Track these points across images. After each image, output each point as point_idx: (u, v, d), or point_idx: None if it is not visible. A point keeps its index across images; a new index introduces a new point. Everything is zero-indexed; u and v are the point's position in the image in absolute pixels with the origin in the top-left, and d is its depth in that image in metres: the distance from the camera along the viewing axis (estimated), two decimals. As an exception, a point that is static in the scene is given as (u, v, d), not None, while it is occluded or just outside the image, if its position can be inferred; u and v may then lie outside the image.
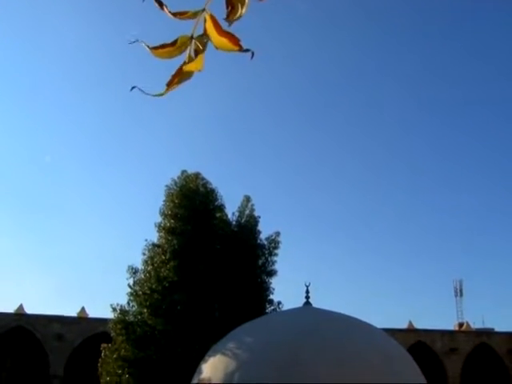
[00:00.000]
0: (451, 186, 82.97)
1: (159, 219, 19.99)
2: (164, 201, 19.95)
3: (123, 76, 72.84)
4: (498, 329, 39.71)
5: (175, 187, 20.01)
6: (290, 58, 76.75)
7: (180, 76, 2.21)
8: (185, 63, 2.19)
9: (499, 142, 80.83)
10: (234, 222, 20.21)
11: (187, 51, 2.19)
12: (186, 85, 2.24)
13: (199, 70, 2.23)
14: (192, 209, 19.36)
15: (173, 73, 2.21)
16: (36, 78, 74.63)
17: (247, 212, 20.27)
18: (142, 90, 2.18)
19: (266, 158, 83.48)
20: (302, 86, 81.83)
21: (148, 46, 2.17)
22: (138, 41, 2.16)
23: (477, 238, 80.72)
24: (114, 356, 18.39)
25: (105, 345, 19.16)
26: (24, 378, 33.25)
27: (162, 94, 2.24)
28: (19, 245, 72.71)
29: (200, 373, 14.62)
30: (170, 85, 2.21)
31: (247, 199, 20.39)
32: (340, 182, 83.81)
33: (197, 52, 2.19)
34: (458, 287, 44.87)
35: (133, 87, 2.20)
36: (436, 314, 70.32)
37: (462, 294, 44.67)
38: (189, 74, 2.23)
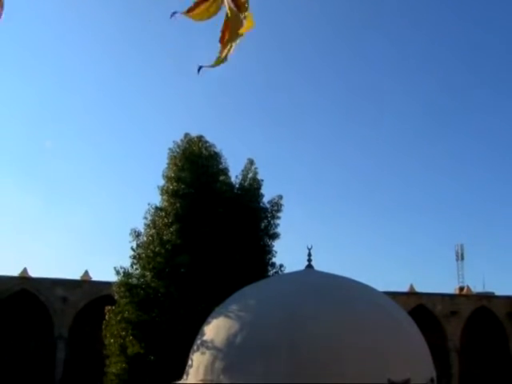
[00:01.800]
0: (454, 151, 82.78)
1: (162, 183, 20.03)
2: (167, 164, 19.94)
3: (124, 39, 72.25)
4: (498, 293, 40.02)
5: (178, 150, 19.98)
6: (296, 21, 75.91)
7: (232, 36, 2.10)
8: (227, 17, 2.08)
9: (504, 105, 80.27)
10: (237, 186, 20.22)
11: (225, 4, 2.08)
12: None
13: (252, 28, 2.13)
14: (195, 172, 19.34)
15: (221, 29, 2.09)
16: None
17: (250, 175, 20.26)
18: (203, 66, 2.07)
19: (268, 121, 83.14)
20: (304, 47, 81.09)
21: (182, 12, 2.05)
22: (176, 13, 2.04)
23: (479, 202, 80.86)
24: (118, 318, 18.60)
25: (109, 307, 19.35)
26: (30, 340, 33.67)
27: (221, 62, 2.14)
28: (22, 209, 73.02)
29: (203, 335, 14.79)
30: (222, 42, 2.10)
31: (250, 162, 20.36)
32: (343, 145, 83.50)
33: (236, 3, 2.07)
34: (459, 251, 45.10)
35: (200, 67, 2.10)
36: (437, 278, 70.82)
37: (463, 258, 44.94)
38: (242, 34, 2.12)
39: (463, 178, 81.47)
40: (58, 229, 71.68)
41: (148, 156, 77.23)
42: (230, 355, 13.47)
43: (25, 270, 34.42)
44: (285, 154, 80.00)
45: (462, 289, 41.34)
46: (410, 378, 12.81)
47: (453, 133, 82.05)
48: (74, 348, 33.57)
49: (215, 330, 14.40)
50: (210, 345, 14.20)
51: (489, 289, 41.79)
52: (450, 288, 42.83)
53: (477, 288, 41.54)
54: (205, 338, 14.59)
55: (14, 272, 34.18)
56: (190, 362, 14.80)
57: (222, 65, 2.16)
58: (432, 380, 13.74)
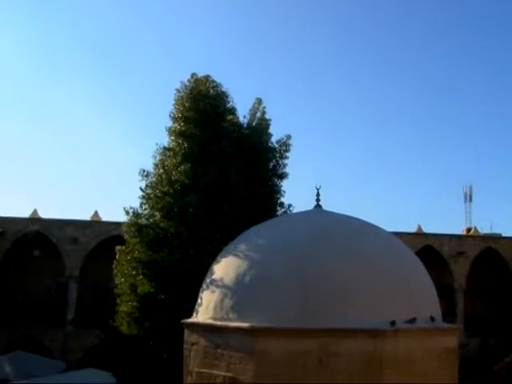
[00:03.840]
0: (463, 89, 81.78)
1: (170, 123, 19.94)
2: (174, 104, 19.81)
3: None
4: (505, 234, 40.16)
5: (185, 91, 19.81)
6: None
7: None
8: None
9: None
10: (245, 125, 20.09)
11: None
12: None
13: None
14: (202, 112, 19.22)
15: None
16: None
17: (258, 115, 20.10)
18: None
19: (277, 59, 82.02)
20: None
21: None
22: None
23: (488, 143, 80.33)
24: (128, 258, 18.82)
25: (119, 247, 19.55)
26: (42, 280, 34.20)
27: None
28: (32, 149, 73.24)
29: (212, 273, 14.95)
30: None
31: (258, 101, 20.16)
32: (351, 83, 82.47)
33: None
34: (467, 192, 45.07)
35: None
36: (445, 219, 71.09)
37: (471, 200, 44.96)
38: None
39: (474, 118, 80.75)
40: (67, 170, 71.97)
41: (155, 97, 76.73)
42: (239, 294, 13.63)
43: (35, 211, 34.73)
44: (294, 93, 79.23)
45: (469, 230, 41.51)
46: (416, 318, 13.00)
47: (463, 70, 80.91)
48: (85, 288, 34.16)
49: (224, 268, 14.54)
50: (219, 283, 14.36)
51: (496, 230, 42.00)
52: (458, 229, 43.05)
53: (484, 229, 41.76)
54: (214, 276, 14.75)
55: (25, 213, 34.55)
56: (199, 301, 15.01)
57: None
58: (433, 318, 13.94)
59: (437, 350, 13.51)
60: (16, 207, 78.01)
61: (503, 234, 40.24)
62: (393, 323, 12.70)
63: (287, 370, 12.45)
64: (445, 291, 31.25)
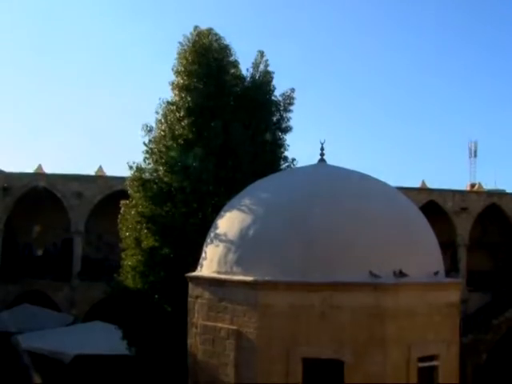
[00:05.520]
0: (469, 44, 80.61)
1: (173, 78, 19.73)
2: (176, 58, 19.54)
3: None
4: (509, 191, 40.05)
5: (188, 44, 19.52)
6: None
7: None
8: None
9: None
10: (248, 79, 19.85)
11: None
12: None
13: None
14: (205, 65, 18.98)
15: None
16: None
17: (261, 68, 19.82)
18: None
19: (279, 11, 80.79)
20: None
21: None
22: None
23: (494, 99, 79.60)
24: (132, 212, 18.85)
25: (124, 201, 19.56)
26: (47, 235, 34.39)
27: None
28: (36, 105, 72.94)
29: (216, 228, 15.02)
30: None
31: (261, 54, 19.84)
32: (357, 34, 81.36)
33: None
34: (472, 148, 44.88)
35: None
36: (449, 175, 71.03)
37: (475, 156, 44.79)
38: None
39: (481, 73, 79.80)
40: (71, 125, 71.78)
41: (158, 51, 75.98)
42: (243, 248, 13.72)
43: (39, 166, 34.74)
44: (297, 46, 78.22)
45: (473, 186, 41.44)
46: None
47: (469, 24, 79.64)
48: (90, 242, 34.39)
49: (228, 223, 14.60)
50: (223, 237, 14.45)
51: (500, 186, 41.91)
52: (462, 185, 42.97)
53: (488, 185, 41.66)
54: (218, 230, 14.82)
55: (29, 169, 34.56)
56: (203, 255, 15.12)
57: None
58: (436, 273, 14.02)
59: (439, 305, 13.65)
60: (21, 163, 78.07)
61: (507, 191, 40.15)
62: (395, 277, 12.81)
63: (290, 323, 12.63)
64: (448, 247, 31.41)
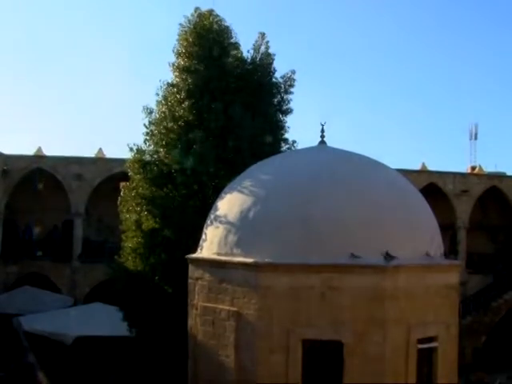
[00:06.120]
0: (469, 24, 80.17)
1: (173, 59, 19.67)
2: (177, 40, 19.47)
3: None
4: (510, 173, 39.99)
5: (189, 25, 19.45)
6: None
7: None
8: None
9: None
10: (248, 60, 19.78)
11: None
12: None
13: None
14: (206, 47, 18.90)
15: None
16: None
17: (262, 50, 19.74)
18: None
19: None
20: None
21: None
22: None
23: (495, 81, 79.27)
24: (133, 194, 18.87)
25: (124, 183, 19.57)
26: (47, 217, 34.36)
27: None
28: (35, 87, 72.64)
29: (216, 209, 15.03)
30: None
31: (262, 36, 19.76)
32: (358, 15, 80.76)
33: None
34: (473, 130, 44.68)
35: None
36: (449, 158, 70.94)
37: (476, 138, 44.62)
38: None
39: (482, 54, 79.38)
40: (71, 107, 71.54)
41: (160, 33, 75.52)
42: (243, 229, 13.76)
43: (39, 149, 34.64)
44: (297, 28, 77.71)
45: (473, 168, 41.35)
46: (414, 254, 13.08)
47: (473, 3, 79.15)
48: (90, 225, 34.41)
49: (228, 204, 14.62)
50: (223, 219, 14.47)
51: (501, 169, 41.78)
52: (462, 167, 42.89)
53: (489, 168, 41.55)
54: (218, 212, 14.84)
55: (29, 151, 34.44)
56: (203, 236, 15.15)
57: None
58: (436, 255, 14.06)
59: (438, 287, 13.71)
60: (20, 145, 77.91)
61: (508, 173, 40.08)
62: (394, 259, 12.83)
63: (290, 305, 12.69)
64: (448, 229, 31.45)
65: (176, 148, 18.20)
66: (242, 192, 14.52)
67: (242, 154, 17.95)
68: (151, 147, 19.16)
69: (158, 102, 19.38)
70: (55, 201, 33.65)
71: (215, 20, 19.55)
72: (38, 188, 32.68)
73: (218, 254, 14.12)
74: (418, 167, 37.66)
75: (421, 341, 13.09)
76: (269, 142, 18.81)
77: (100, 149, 35.43)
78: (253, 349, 12.77)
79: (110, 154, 34.86)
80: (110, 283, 20.40)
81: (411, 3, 79.30)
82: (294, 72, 19.95)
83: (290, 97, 20.08)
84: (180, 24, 19.67)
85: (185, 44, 19.21)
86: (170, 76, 19.63)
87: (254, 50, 19.89)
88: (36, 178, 32.77)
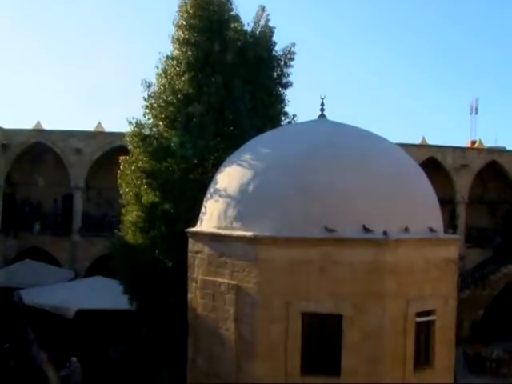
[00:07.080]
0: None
1: (173, 32, 19.46)
2: (178, 11, 19.25)
3: None
4: (510, 148, 39.85)
5: (189, -3, 19.24)
6: None
7: None
8: None
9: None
10: (248, 34, 19.62)
11: None
12: None
13: None
14: (206, 19, 18.70)
15: None
16: None
17: (262, 23, 19.55)
18: None
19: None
20: None
21: None
22: None
23: (496, 55, 78.71)
24: (132, 168, 18.81)
25: (123, 157, 19.51)
26: (48, 191, 34.33)
27: None
28: (34, 61, 72.17)
29: (216, 183, 15.01)
30: None
31: (262, 9, 19.56)
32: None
33: None
34: (473, 105, 44.40)
35: None
36: (450, 132, 70.74)
37: (477, 112, 44.36)
38: None
39: (483, 28, 78.73)
40: (70, 81, 71.15)
41: (159, 4, 74.79)
42: (243, 203, 13.74)
43: (38, 123, 34.48)
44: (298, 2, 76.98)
45: (473, 143, 41.20)
46: (415, 227, 13.10)
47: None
48: (90, 198, 34.38)
49: (228, 178, 14.59)
50: (223, 193, 14.45)
51: (501, 144, 41.65)
52: (463, 142, 42.75)
53: (489, 143, 41.42)
54: (218, 186, 14.82)
55: (28, 125, 34.29)
56: (203, 210, 15.16)
57: None
58: (435, 229, 14.07)
59: (437, 260, 13.75)
60: (19, 120, 77.55)
61: (508, 148, 39.95)
62: (393, 233, 12.84)
63: (290, 278, 12.72)
64: (447, 203, 31.44)
65: (175, 121, 18.10)
66: (241, 165, 14.48)
67: (241, 128, 17.87)
68: (150, 121, 19.06)
69: (158, 75, 19.22)
70: (55, 175, 33.60)
71: (216, -8, 19.32)
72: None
73: (218, 227, 14.13)
74: (418, 141, 37.54)
75: (419, 314, 13.17)
76: (269, 116, 18.72)
77: (99, 123, 35.26)
78: (252, 320, 12.84)
79: (109, 127, 34.72)
80: (111, 257, 20.45)
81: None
82: (293, 45, 19.81)
83: (289, 70, 19.98)
84: (180, -5, 19.44)
85: (185, 16, 19.00)
86: (170, 48, 19.46)
87: (254, 23, 19.73)
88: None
